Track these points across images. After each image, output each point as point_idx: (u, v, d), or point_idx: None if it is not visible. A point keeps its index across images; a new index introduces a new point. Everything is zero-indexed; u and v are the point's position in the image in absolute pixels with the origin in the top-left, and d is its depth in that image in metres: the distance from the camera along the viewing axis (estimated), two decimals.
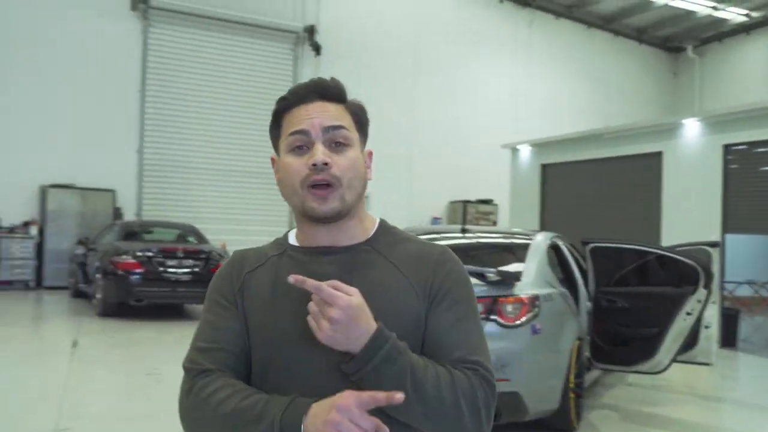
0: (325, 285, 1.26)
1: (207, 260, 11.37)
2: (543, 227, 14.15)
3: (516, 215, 15.68)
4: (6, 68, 14.59)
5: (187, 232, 12.80)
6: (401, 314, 1.39)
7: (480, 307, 4.05)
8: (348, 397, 1.22)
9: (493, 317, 5.11)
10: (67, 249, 14.09)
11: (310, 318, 1.29)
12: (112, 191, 15.37)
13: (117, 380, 7.32)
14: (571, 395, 5.61)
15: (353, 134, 1.47)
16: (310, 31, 17.61)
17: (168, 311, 11.82)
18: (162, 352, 8.71)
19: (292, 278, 1.28)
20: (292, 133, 1.44)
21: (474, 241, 6.85)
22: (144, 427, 5.61)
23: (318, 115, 1.43)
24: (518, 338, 5.12)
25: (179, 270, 11.10)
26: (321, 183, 1.40)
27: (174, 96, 16.26)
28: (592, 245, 6.61)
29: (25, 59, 14.75)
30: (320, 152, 1.40)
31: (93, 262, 11.74)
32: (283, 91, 1.53)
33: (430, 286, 1.43)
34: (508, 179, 16.19)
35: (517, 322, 5.13)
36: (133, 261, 10.95)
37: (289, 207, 1.48)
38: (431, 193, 19.12)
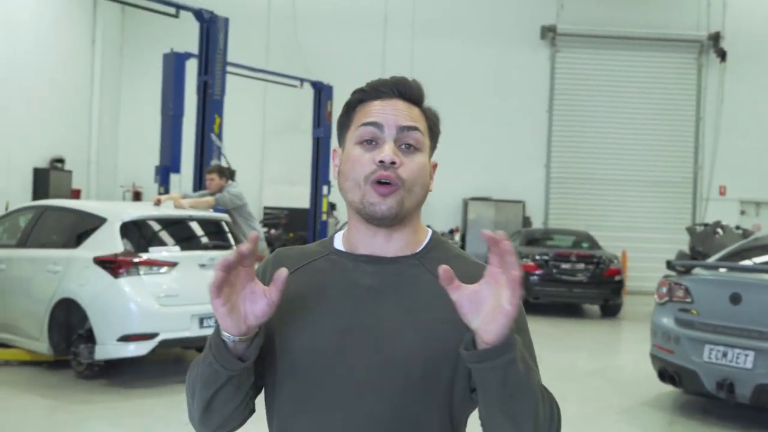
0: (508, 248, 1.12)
1: (598, 264, 12.43)
2: None
3: None
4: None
5: (582, 238, 13.98)
6: (453, 323, 1.25)
7: None
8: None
9: None
10: (483, 253, 16.31)
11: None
12: (521, 202, 17.28)
13: None
14: None
15: (425, 140, 1.43)
16: (715, 38, 17.44)
17: (558, 309, 13.11)
18: (546, 340, 10.04)
19: (487, 232, 1.13)
20: (365, 124, 1.40)
21: None
22: None
23: (394, 112, 1.40)
24: None
25: (572, 272, 12.36)
26: (385, 181, 1.35)
27: (578, 114, 17.58)
28: None
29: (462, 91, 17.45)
30: (390, 149, 1.36)
31: None
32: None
33: None
34: None
35: None
36: (532, 263, 12.52)
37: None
38: None
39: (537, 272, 12.43)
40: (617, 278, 12.40)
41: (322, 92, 13.87)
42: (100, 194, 16.54)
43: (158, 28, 11.58)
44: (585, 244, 13.63)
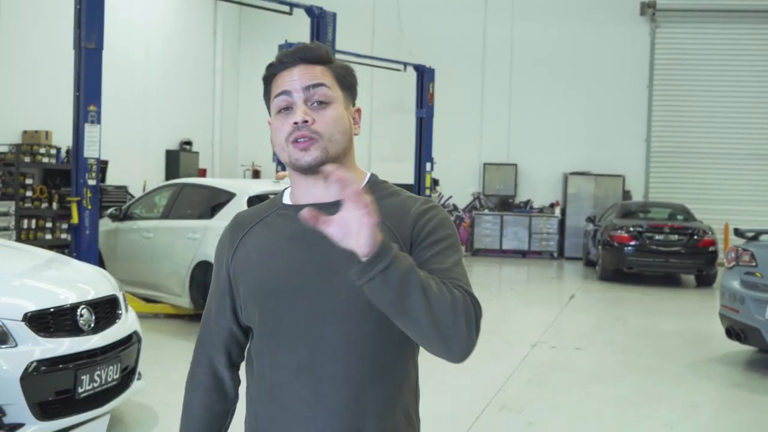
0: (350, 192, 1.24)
1: (691, 236, 12.78)
2: None
3: None
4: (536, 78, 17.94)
5: (677, 211, 14.29)
6: None
7: None
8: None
9: None
10: (582, 226, 16.79)
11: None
12: (621, 176, 17.59)
13: (589, 321, 9.59)
14: None
15: (335, 92, 1.54)
16: None
17: (655, 279, 13.52)
18: (635, 305, 10.62)
19: (305, 212, 1.27)
20: (277, 95, 1.54)
21: None
22: (592, 355, 7.78)
23: (299, 76, 1.52)
24: None
25: (666, 243, 12.76)
26: (301, 139, 1.49)
27: (679, 88, 17.65)
28: None
29: (549, 67, 17.89)
30: (301, 111, 1.49)
31: (596, 236, 14.18)
32: None
33: (411, 232, 1.50)
34: None
35: None
36: (626, 235, 13.02)
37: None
38: None
39: (631, 243, 12.92)
40: (711, 249, 12.71)
41: (424, 75, 14.70)
42: (223, 173, 18.13)
43: (273, 20, 12.68)
44: (680, 217, 13.95)
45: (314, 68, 1.55)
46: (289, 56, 1.55)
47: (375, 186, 1.60)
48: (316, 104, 1.52)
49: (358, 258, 1.29)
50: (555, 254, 17.65)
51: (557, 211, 17.87)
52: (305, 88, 1.52)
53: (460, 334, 1.33)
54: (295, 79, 1.53)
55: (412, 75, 15.02)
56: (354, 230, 1.26)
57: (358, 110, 1.63)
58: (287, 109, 1.53)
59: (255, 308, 1.56)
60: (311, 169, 1.51)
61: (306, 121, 1.49)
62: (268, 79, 1.59)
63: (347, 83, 1.60)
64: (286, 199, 1.63)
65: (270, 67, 1.58)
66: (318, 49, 1.57)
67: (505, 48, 18.13)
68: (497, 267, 16.12)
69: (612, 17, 17.75)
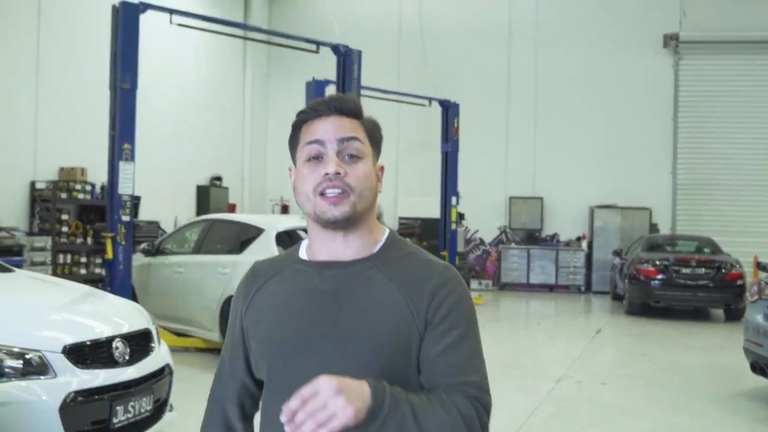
0: (298, 398, 1.26)
1: (719, 269, 12.73)
2: None
3: None
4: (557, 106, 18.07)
5: (704, 244, 14.25)
6: (394, 330, 1.45)
7: None
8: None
9: None
10: (609, 259, 16.76)
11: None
12: (648, 209, 17.56)
13: (616, 356, 9.60)
14: None
15: (366, 148, 1.54)
16: None
17: (684, 313, 13.43)
18: (662, 339, 10.59)
19: (283, 417, 1.26)
20: (309, 143, 1.51)
21: None
22: (618, 389, 7.80)
23: (333, 127, 1.51)
24: None
25: (693, 277, 12.71)
26: (333, 191, 1.47)
27: (705, 119, 17.65)
28: None
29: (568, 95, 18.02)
30: (334, 162, 1.47)
31: (623, 269, 14.17)
32: None
33: (426, 309, 1.47)
34: None
35: None
36: (652, 268, 13.00)
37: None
38: None
39: (658, 277, 12.89)
40: (739, 282, 12.63)
41: (449, 110, 14.90)
42: (252, 207, 18.42)
43: (300, 58, 12.98)
44: (707, 250, 13.91)
45: (348, 121, 1.54)
46: (324, 105, 1.55)
47: (393, 244, 1.59)
48: (347, 157, 1.51)
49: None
50: (582, 288, 17.61)
51: (584, 244, 17.86)
52: (340, 140, 1.51)
53: None
54: (329, 129, 1.52)
55: (437, 110, 15.22)
56: (335, 420, 1.26)
57: (382, 168, 1.63)
58: (317, 158, 1.51)
59: (264, 364, 1.57)
60: (336, 224, 1.50)
61: (338, 173, 1.47)
62: (298, 125, 1.57)
63: (376, 139, 1.60)
64: (302, 253, 1.61)
65: (302, 113, 1.57)
66: (352, 102, 1.57)
67: (529, 80, 18.31)
68: (524, 301, 16.14)
69: (635, 49, 17.87)
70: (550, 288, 17.67)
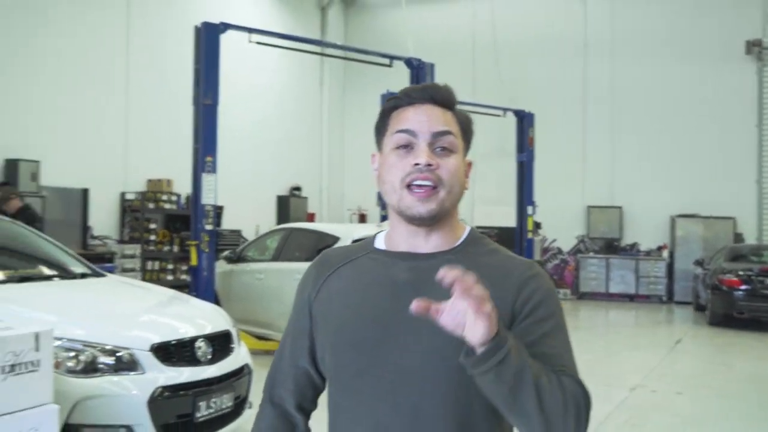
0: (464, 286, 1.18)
1: None
2: None
3: None
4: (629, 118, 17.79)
5: None
6: None
7: None
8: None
9: None
10: (692, 269, 16.37)
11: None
12: (731, 219, 17.07)
13: (694, 366, 9.43)
14: None
15: (459, 142, 1.48)
16: None
17: None
18: (743, 351, 10.32)
19: (415, 304, 1.21)
20: (399, 131, 1.45)
21: None
22: (693, 399, 7.69)
23: (427, 119, 1.44)
24: None
25: None
26: (423, 183, 1.40)
27: None
28: None
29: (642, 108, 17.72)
30: (425, 153, 1.41)
31: (705, 279, 13.85)
32: None
33: (512, 305, 1.40)
34: None
35: None
36: (735, 279, 12.67)
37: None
38: None
39: (741, 287, 12.56)
40: None
41: (524, 120, 14.92)
42: (330, 217, 18.82)
43: (375, 72, 13.26)
44: None
45: (442, 112, 1.48)
46: (418, 92, 1.49)
47: (474, 241, 1.52)
48: (439, 149, 1.45)
49: (469, 345, 1.24)
50: (664, 298, 17.23)
51: (665, 254, 17.49)
52: (434, 134, 1.45)
53: None
54: (422, 120, 1.45)
55: (512, 120, 15.26)
56: (468, 321, 1.21)
57: (470, 164, 1.55)
58: (406, 147, 1.45)
59: (333, 358, 1.49)
60: (422, 222, 1.44)
61: (430, 165, 1.41)
62: (388, 111, 1.51)
63: (468, 134, 1.54)
64: (380, 243, 1.55)
65: (394, 98, 1.51)
66: (447, 91, 1.51)
67: (605, 90, 18.10)
68: (603, 311, 15.94)
69: (716, 56, 17.45)
70: (630, 298, 17.37)
